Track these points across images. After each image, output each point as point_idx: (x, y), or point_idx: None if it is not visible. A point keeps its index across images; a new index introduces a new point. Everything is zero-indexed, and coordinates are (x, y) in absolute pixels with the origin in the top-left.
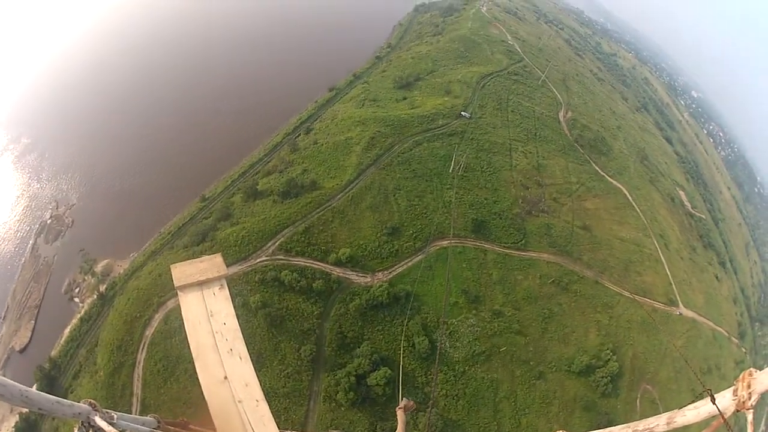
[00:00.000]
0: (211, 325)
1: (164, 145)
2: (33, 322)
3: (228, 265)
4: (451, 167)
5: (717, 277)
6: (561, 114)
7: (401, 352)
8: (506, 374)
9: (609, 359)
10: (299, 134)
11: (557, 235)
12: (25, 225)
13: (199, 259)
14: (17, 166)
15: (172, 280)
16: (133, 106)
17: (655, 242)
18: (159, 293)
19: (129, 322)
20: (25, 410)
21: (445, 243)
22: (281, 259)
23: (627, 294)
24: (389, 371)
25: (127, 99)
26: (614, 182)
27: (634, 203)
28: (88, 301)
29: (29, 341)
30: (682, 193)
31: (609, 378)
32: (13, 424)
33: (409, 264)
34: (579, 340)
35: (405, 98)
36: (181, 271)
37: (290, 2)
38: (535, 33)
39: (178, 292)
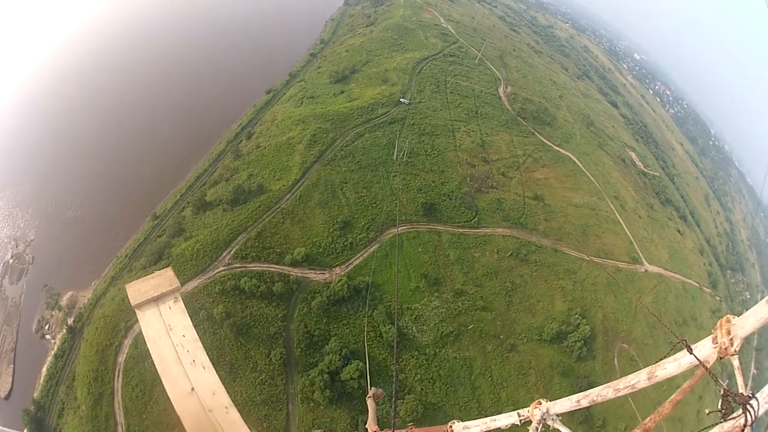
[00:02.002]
0: (171, 339)
1: (110, 168)
2: (12, 366)
3: (187, 280)
4: (395, 154)
5: (679, 231)
6: (501, 90)
7: (365, 342)
8: (478, 351)
9: (579, 323)
10: (241, 140)
11: (509, 208)
12: None
13: (151, 275)
14: None
15: None
16: (75, 136)
17: (611, 204)
18: (125, 318)
19: (101, 351)
20: None
21: (399, 229)
22: (238, 267)
23: (587, 258)
24: (361, 363)
25: (69, 129)
26: (562, 150)
27: (584, 169)
28: (59, 336)
29: (11, 386)
30: (632, 153)
31: (582, 341)
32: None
33: (365, 255)
34: (546, 309)
35: (342, 92)
36: (136, 290)
37: (220, 7)
38: (468, 13)
39: (136, 310)
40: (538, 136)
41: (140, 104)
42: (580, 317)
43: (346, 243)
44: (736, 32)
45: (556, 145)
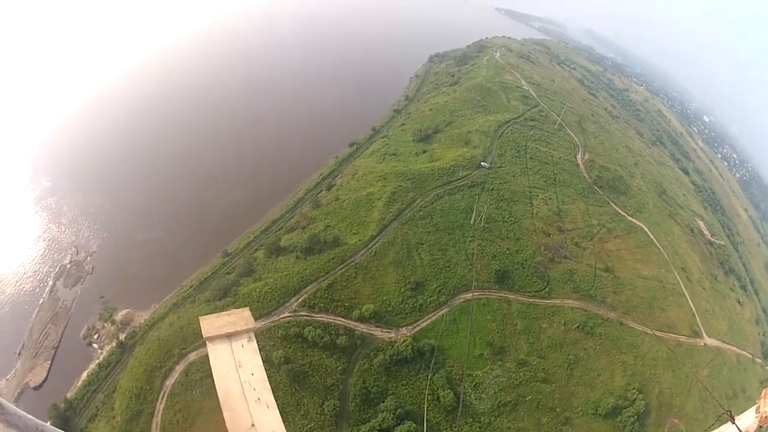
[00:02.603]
0: (239, 375)
1: (186, 198)
2: (49, 362)
3: None
4: (473, 219)
5: (739, 302)
6: (579, 156)
7: (425, 405)
8: (532, 423)
9: (635, 398)
10: (321, 190)
11: (580, 279)
12: (43, 267)
13: (226, 312)
14: (37, 207)
15: (196, 333)
16: (156, 159)
17: (677, 276)
18: (180, 345)
19: (149, 371)
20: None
21: (469, 295)
22: (304, 315)
23: (651, 332)
24: (414, 425)
25: (151, 151)
26: (634, 221)
27: (654, 239)
28: (107, 347)
29: (45, 380)
30: (701, 222)
31: (635, 417)
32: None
33: (434, 318)
34: (605, 383)
35: (425, 151)
36: (210, 323)
37: (309, 60)
38: (548, 76)
39: (207, 342)
40: (613, 205)
41: (226, 142)
42: (637, 392)
43: (416, 304)
44: None
45: (629, 215)
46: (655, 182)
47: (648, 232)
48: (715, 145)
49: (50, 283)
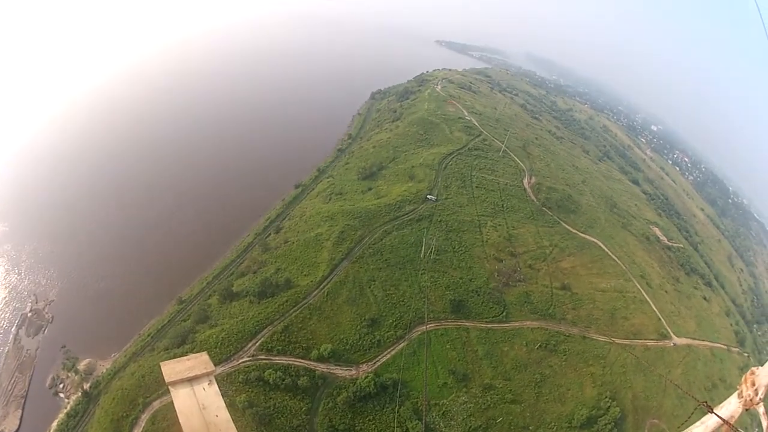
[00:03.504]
0: (204, 417)
1: (138, 247)
2: (20, 411)
3: None
4: (422, 252)
5: (705, 298)
6: (525, 181)
7: None
8: None
9: (609, 406)
10: (269, 234)
11: (537, 300)
12: (5, 314)
13: (186, 357)
14: None
15: (158, 381)
16: (109, 207)
17: (637, 284)
18: (144, 394)
19: (116, 421)
20: None
21: (425, 328)
22: (263, 359)
23: (616, 341)
24: None
25: (104, 199)
26: (587, 237)
27: (609, 252)
28: (73, 397)
29: (18, 428)
30: (656, 229)
31: (612, 423)
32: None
33: (393, 352)
34: (575, 396)
35: (370, 188)
36: (171, 368)
37: (250, 101)
38: (490, 104)
39: (170, 387)
40: (564, 224)
41: (170, 189)
42: (610, 400)
43: (373, 340)
44: (741, 80)
45: (582, 232)
46: (605, 197)
47: (602, 245)
48: (665, 152)
49: (13, 331)
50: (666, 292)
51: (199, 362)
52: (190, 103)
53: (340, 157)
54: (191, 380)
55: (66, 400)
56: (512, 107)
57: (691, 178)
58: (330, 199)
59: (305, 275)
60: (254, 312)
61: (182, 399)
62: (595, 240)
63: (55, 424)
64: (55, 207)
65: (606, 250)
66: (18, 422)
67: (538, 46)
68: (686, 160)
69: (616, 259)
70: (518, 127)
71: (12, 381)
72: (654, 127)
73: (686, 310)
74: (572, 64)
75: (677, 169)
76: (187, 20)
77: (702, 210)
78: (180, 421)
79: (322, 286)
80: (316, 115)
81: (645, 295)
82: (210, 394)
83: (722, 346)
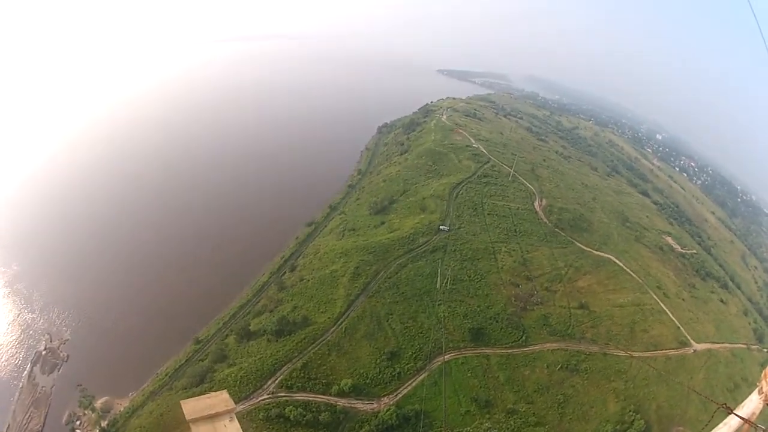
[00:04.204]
0: None
1: (153, 287)
2: None
3: None
4: (438, 283)
5: (722, 301)
6: (536, 204)
7: None
8: None
9: (633, 419)
10: (284, 272)
11: (556, 322)
12: (19, 352)
13: (206, 395)
14: (8, 292)
15: (177, 420)
16: (123, 248)
17: (654, 295)
18: None
19: None
20: None
21: (445, 358)
22: (284, 396)
23: (636, 355)
24: None
25: (119, 240)
26: (601, 254)
27: (625, 267)
28: None
29: None
30: (669, 238)
31: None
32: None
33: (414, 384)
34: (599, 413)
35: (383, 223)
36: (192, 407)
37: (259, 139)
38: (496, 130)
39: (191, 425)
40: (577, 244)
41: (185, 230)
42: (634, 413)
43: (393, 373)
44: (737, 75)
45: (596, 250)
46: (616, 212)
47: (617, 261)
48: (672, 159)
49: (28, 368)
50: (683, 300)
51: (219, 400)
52: (204, 143)
53: (350, 193)
54: (212, 417)
55: None
56: (518, 131)
57: (699, 182)
58: (343, 236)
59: (322, 312)
60: (272, 350)
61: None
62: (610, 256)
63: None
64: (68, 247)
65: (621, 265)
66: None
67: (537, 65)
68: (693, 165)
69: (631, 273)
70: (525, 150)
71: (27, 416)
72: (659, 136)
73: (704, 315)
74: (573, 81)
75: (685, 175)
76: (202, 57)
77: (713, 213)
78: None
79: (339, 322)
80: (325, 153)
81: (662, 306)
82: (230, 431)
83: (742, 345)
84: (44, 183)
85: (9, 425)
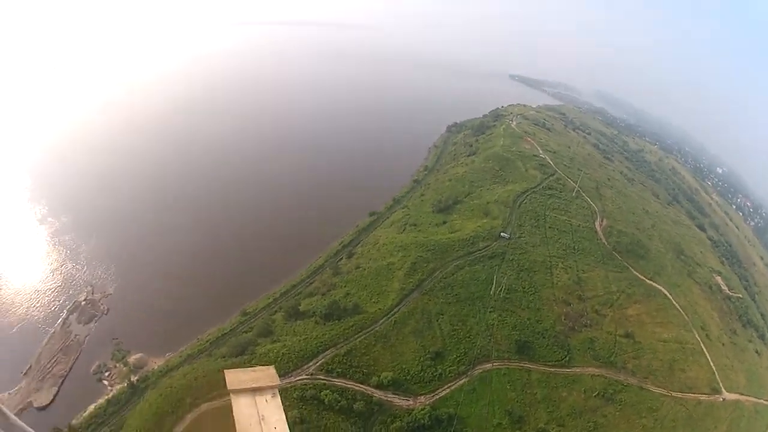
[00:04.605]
0: (262, 428)
1: (207, 256)
2: (56, 388)
3: None
4: (493, 290)
5: (757, 352)
6: (597, 223)
7: None
8: None
9: None
10: (341, 258)
11: (600, 347)
12: (57, 299)
13: (252, 368)
14: (54, 242)
15: (210, 385)
16: (180, 213)
17: (697, 335)
18: (193, 395)
19: (159, 414)
20: None
21: (488, 366)
22: (322, 379)
23: (671, 394)
24: None
25: (176, 205)
26: (653, 284)
27: (674, 301)
28: (118, 386)
29: (50, 403)
30: (718, 278)
31: None
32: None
33: (453, 387)
34: None
35: (444, 222)
36: (235, 377)
37: (330, 130)
38: (564, 142)
39: (231, 394)
40: (632, 270)
41: (247, 204)
42: None
43: (435, 373)
44: None
45: (649, 279)
46: (672, 243)
47: (667, 294)
48: (729, 195)
49: (64, 315)
50: (723, 344)
51: (265, 375)
52: (279, 127)
53: (415, 188)
54: (254, 391)
55: (109, 388)
56: (585, 147)
57: (752, 223)
58: (404, 230)
59: (374, 302)
60: (319, 332)
61: (242, 407)
62: (661, 288)
63: (92, 407)
64: (123, 206)
65: (671, 298)
66: (51, 398)
67: (607, 83)
68: (749, 204)
69: (679, 308)
70: (591, 167)
71: (53, 360)
72: (719, 170)
73: (739, 364)
74: (641, 103)
75: (740, 214)
76: (285, 53)
77: (761, 258)
78: (237, 428)
79: (390, 315)
80: (393, 145)
81: (703, 347)
82: (271, 407)
83: (765, 402)
84: (110, 142)
85: (31, 366)
